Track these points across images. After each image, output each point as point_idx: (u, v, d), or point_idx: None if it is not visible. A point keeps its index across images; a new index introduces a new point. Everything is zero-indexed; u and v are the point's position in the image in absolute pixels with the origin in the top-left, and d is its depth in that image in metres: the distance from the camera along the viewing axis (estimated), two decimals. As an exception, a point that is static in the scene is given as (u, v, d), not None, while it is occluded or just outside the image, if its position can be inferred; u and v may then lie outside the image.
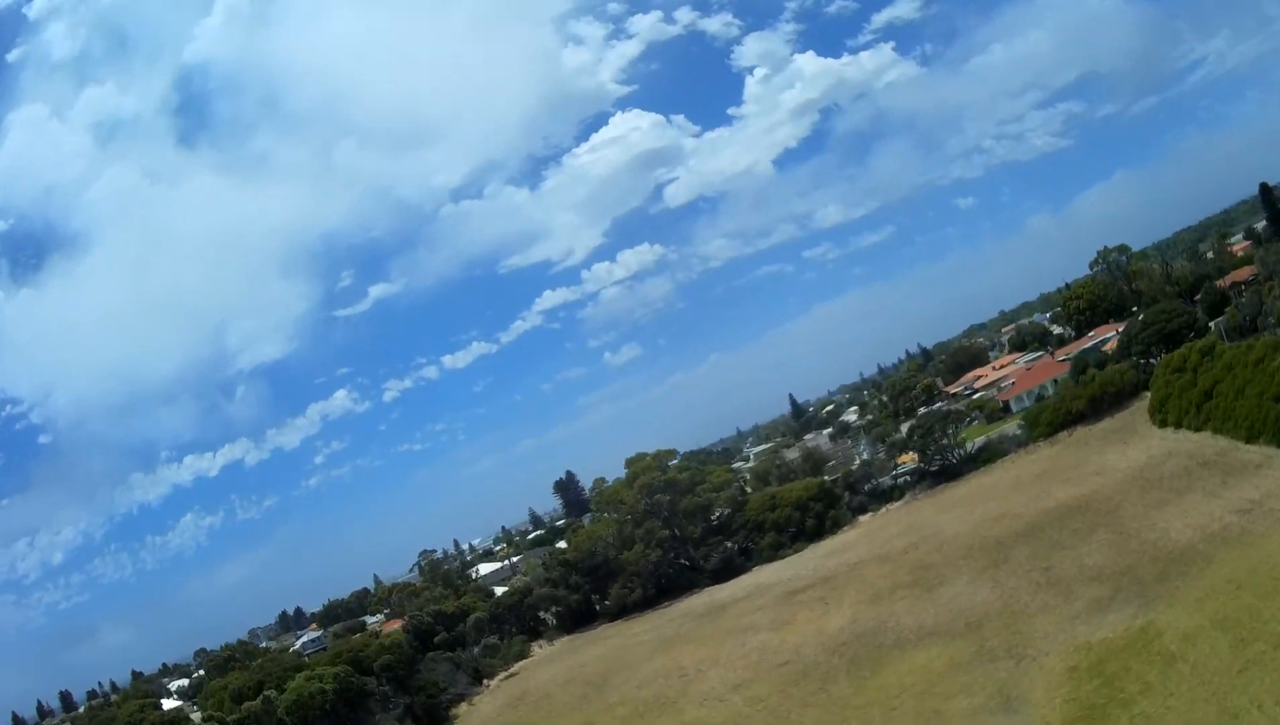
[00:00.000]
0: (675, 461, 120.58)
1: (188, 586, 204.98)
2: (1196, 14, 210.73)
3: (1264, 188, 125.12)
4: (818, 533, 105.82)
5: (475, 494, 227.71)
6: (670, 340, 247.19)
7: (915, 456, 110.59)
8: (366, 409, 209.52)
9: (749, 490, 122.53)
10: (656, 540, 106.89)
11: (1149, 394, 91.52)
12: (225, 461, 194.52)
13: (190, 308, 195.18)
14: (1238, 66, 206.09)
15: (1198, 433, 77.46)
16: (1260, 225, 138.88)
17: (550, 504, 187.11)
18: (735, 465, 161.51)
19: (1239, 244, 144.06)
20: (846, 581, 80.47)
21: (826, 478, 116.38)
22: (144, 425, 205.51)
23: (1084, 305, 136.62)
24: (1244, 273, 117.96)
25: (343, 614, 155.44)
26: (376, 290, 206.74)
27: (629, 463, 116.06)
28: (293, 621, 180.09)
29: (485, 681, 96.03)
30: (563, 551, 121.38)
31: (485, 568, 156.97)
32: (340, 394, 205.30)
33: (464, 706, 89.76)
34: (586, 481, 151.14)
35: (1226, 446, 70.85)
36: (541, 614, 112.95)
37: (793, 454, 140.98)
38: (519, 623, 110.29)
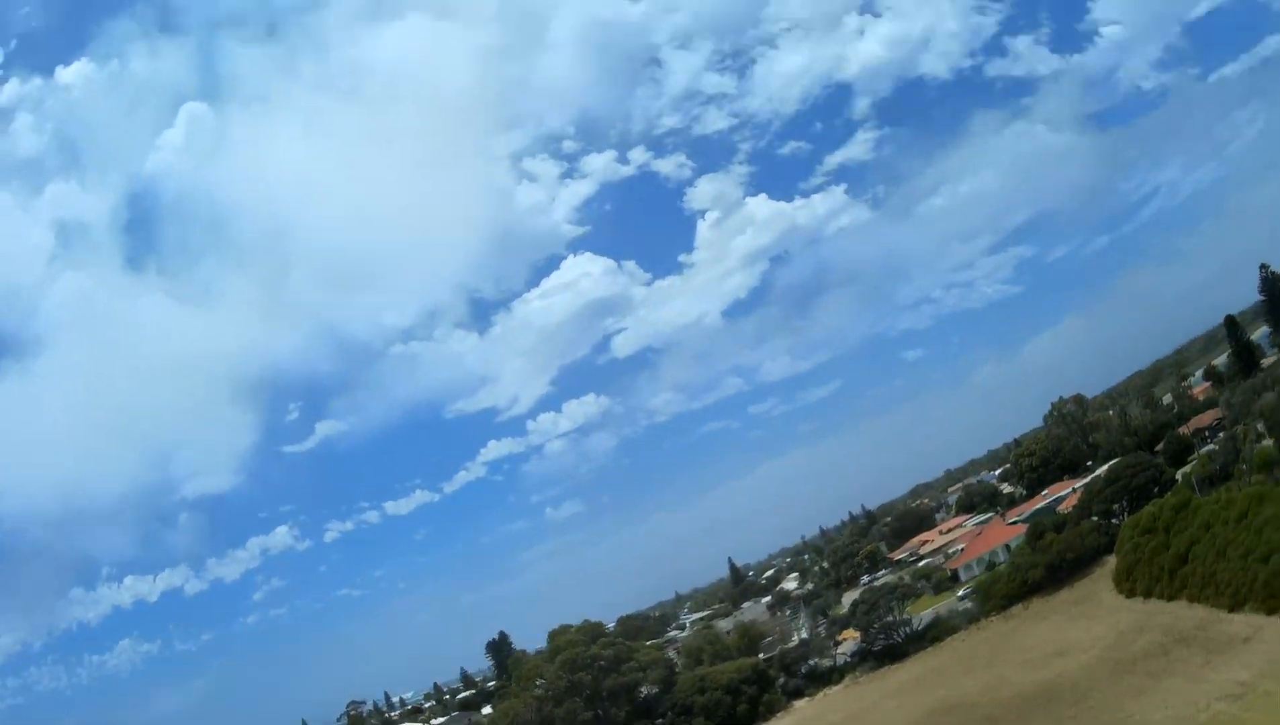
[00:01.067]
0: (605, 635, 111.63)
1: (121, 709, 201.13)
2: (1148, 144, 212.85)
3: (1230, 320, 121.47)
4: (750, 719, 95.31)
5: (412, 644, 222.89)
6: (613, 497, 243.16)
7: (857, 634, 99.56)
8: (307, 548, 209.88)
9: (678, 669, 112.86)
10: (578, 722, 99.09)
11: (1113, 559, 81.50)
12: (165, 587, 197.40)
13: (137, 427, 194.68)
14: (1191, 197, 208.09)
15: (1172, 602, 67.06)
16: (1219, 359, 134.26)
17: (482, 663, 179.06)
18: (671, 634, 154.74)
19: (1199, 386, 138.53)
20: None
21: (762, 656, 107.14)
22: (86, 541, 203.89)
23: (1036, 462, 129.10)
24: (1207, 417, 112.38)
25: None
26: (323, 427, 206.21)
27: (552, 635, 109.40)
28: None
29: None
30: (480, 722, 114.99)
31: None
32: (281, 530, 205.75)
33: None
34: (521, 641, 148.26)
35: (1207, 617, 60.70)
36: None
37: (728, 625, 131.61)
38: None
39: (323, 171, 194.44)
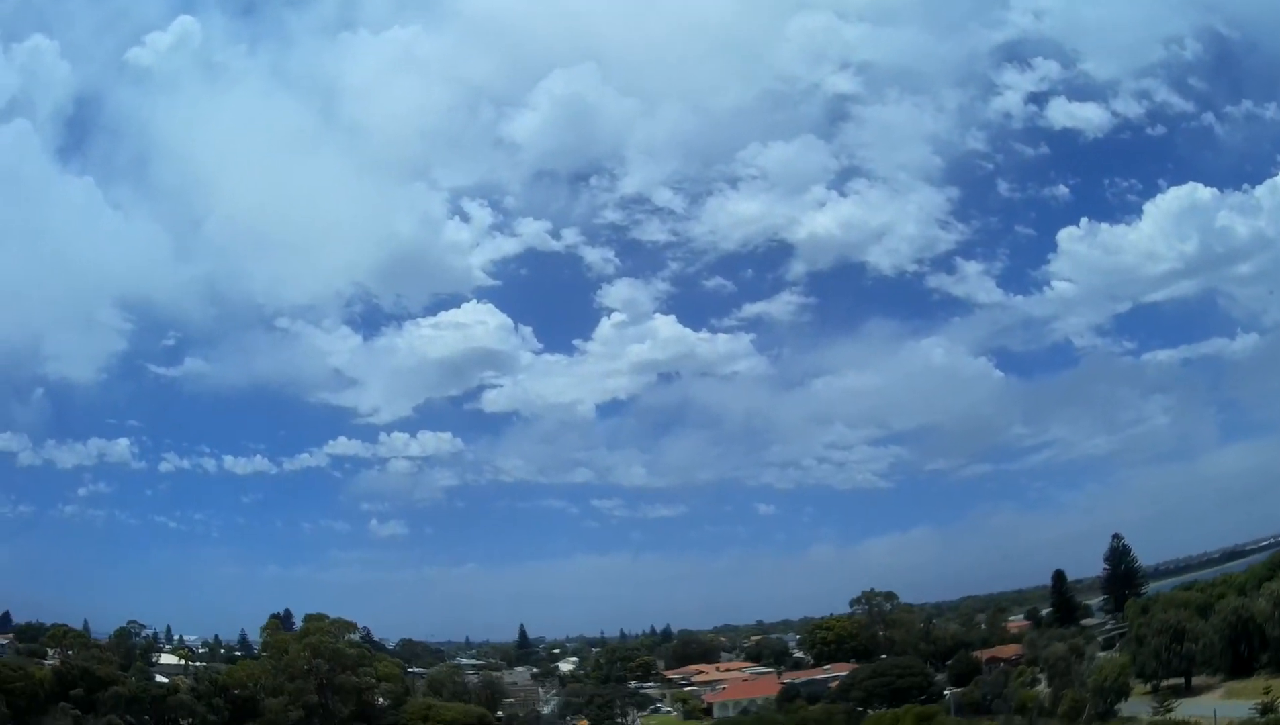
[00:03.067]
0: (353, 635, 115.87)
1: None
2: (1058, 397, 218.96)
3: (1057, 574, 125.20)
4: None
5: (209, 593, 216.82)
6: (437, 533, 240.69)
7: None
8: (141, 468, 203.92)
9: (411, 692, 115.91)
10: (302, 701, 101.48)
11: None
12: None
13: (21, 296, 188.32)
14: (1082, 459, 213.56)
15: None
16: (1045, 611, 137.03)
17: (253, 635, 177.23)
18: (440, 666, 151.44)
19: (1018, 622, 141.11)
20: None
21: (499, 714, 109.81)
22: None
23: (831, 638, 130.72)
24: (1010, 650, 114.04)
25: (30, 637, 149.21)
26: (192, 363, 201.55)
27: (308, 618, 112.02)
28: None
29: None
30: (219, 673, 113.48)
31: (168, 658, 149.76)
32: (123, 442, 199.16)
33: None
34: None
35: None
36: (179, 720, 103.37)
37: (474, 681, 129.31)
38: (157, 719, 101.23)
39: (264, 145, 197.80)
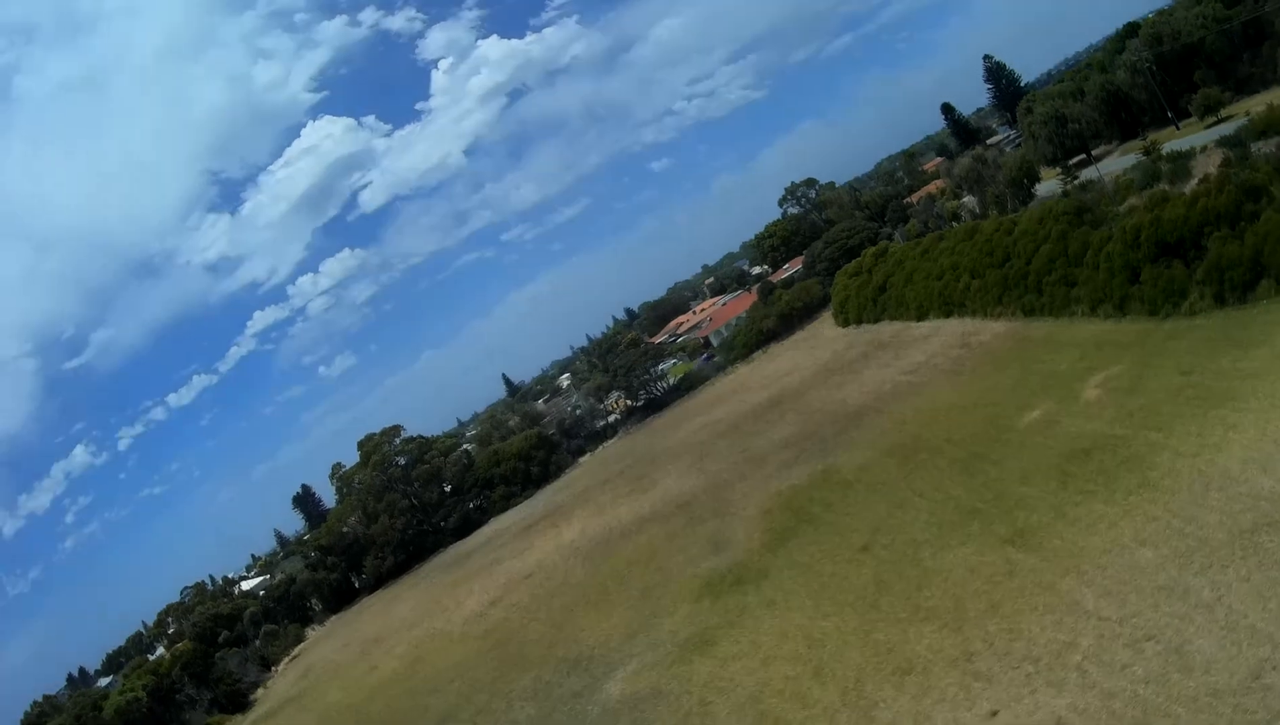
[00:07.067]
0: (400, 438, 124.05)
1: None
2: None
3: (945, 107, 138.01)
4: (543, 478, 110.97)
5: (222, 527, 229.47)
6: (381, 345, 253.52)
7: (623, 398, 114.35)
8: (105, 460, 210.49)
9: (473, 453, 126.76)
10: (398, 510, 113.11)
11: (833, 304, 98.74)
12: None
13: None
14: None
15: (876, 323, 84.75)
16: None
17: (295, 523, 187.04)
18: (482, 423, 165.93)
19: (932, 161, 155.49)
20: (573, 507, 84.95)
21: (544, 430, 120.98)
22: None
23: (778, 241, 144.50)
24: (933, 187, 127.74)
25: (125, 658, 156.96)
26: (97, 336, 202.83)
27: (360, 444, 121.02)
28: (79, 681, 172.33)
29: (273, 667, 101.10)
30: (316, 537, 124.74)
31: (248, 583, 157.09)
32: (78, 449, 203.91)
33: (260, 690, 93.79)
34: (323, 492, 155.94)
35: (901, 328, 77.93)
36: (308, 601, 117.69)
37: (513, 421, 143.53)
38: (289, 613, 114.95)
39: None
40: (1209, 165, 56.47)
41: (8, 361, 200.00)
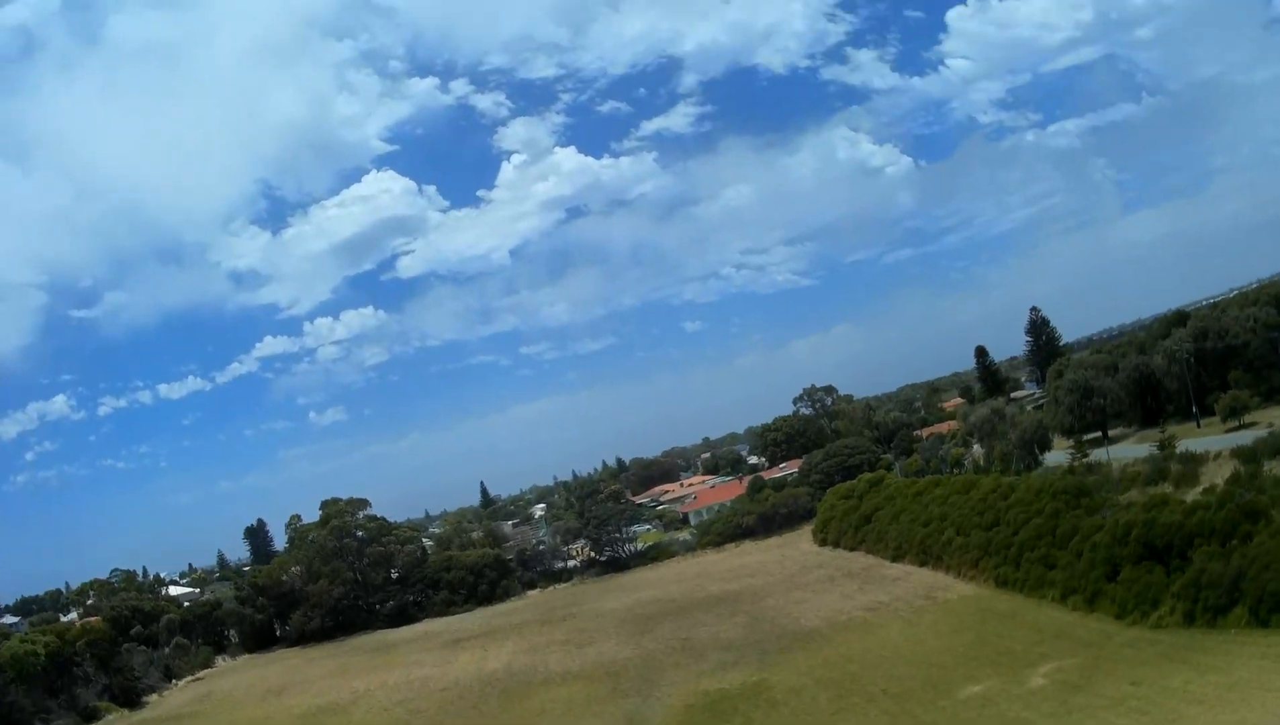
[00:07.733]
0: (364, 513, 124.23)
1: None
2: (967, 175, 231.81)
3: (979, 351, 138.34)
4: (489, 598, 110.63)
5: (170, 525, 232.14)
6: (376, 411, 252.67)
7: (588, 547, 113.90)
8: (81, 418, 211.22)
9: (429, 550, 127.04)
10: (340, 579, 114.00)
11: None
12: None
13: None
14: (998, 234, 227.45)
15: (852, 552, 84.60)
16: (977, 387, 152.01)
17: (240, 552, 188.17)
18: (445, 526, 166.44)
19: (953, 400, 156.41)
20: (506, 636, 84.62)
21: (504, 553, 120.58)
22: None
23: (781, 437, 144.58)
24: (947, 426, 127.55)
25: (37, 609, 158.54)
26: (111, 297, 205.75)
27: (324, 505, 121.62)
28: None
29: (175, 680, 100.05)
30: (255, 574, 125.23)
31: (176, 590, 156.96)
32: (60, 398, 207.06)
33: (155, 697, 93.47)
34: (276, 532, 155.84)
35: (874, 564, 77.86)
36: (228, 631, 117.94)
37: (476, 533, 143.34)
38: (206, 634, 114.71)
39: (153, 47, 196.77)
40: (1219, 474, 56.72)
41: (18, 285, 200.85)
